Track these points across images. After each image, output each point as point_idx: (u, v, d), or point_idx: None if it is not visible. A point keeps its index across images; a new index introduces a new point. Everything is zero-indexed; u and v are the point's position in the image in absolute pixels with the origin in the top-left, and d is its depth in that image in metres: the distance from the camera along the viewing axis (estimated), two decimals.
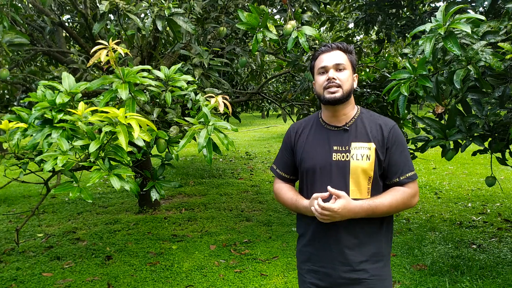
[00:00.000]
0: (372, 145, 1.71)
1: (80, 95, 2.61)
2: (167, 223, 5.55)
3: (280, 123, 21.41)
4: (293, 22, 2.98)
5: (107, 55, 2.48)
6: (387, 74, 4.27)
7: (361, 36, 7.58)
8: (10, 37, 3.34)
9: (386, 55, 5.46)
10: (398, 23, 5.05)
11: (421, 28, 2.32)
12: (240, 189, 7.33)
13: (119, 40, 2.53)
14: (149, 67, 2.72)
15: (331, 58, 1.74)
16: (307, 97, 5.61)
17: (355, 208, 1.64)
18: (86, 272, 4.00)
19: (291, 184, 1.97)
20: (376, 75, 4.61)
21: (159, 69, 2.85)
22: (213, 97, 2.90)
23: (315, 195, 1.68)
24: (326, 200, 1.67)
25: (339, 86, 1.70)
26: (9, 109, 5.12)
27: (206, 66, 3.20)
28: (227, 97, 2.98)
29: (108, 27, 3.72)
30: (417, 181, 1.79)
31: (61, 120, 2.39)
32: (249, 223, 5.36)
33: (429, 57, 2.29)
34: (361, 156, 1.69)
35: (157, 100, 2.89)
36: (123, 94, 2.44)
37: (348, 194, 1.67)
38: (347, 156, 1.71)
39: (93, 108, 2.48)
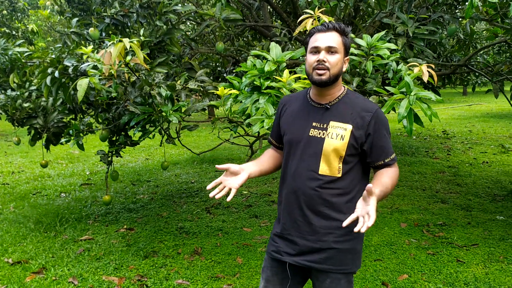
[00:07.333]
0: (349, 127, 1.75)
1: (284, 64, 2.75)
2: None
3: (485, 101, 19.10)
4: None
5: (312, 24, 2.54)
6: None
7: None
8: (226, 13, 3.71)
9: None
10: None
11: None
12: (435, 169, 6.85)
13: (324, 9, 2.58)
14: (351, 35, 2.71)
15: (325, 39, 1.74)
16: None
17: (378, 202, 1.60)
18: None
19: (281, 152, 2.03)
20: None
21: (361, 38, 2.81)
22: (416, 66, 2.75)
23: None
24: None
25: (327, 69, 1.73)
26: (219, 80, 5.70)
27: (411, 35, 3.01)
28: (432, 66, 2.79)
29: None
30: None
31: (268, 87, 2.57)
32: (445, 205, 4.99)
33: None
34: (336, 136, 1.74)
35: (357, 69, 2.86)
36: None
37: (318, 170, 1.76)
38: (323, 134, 1.77)
39: (297, 75, 2.59)
